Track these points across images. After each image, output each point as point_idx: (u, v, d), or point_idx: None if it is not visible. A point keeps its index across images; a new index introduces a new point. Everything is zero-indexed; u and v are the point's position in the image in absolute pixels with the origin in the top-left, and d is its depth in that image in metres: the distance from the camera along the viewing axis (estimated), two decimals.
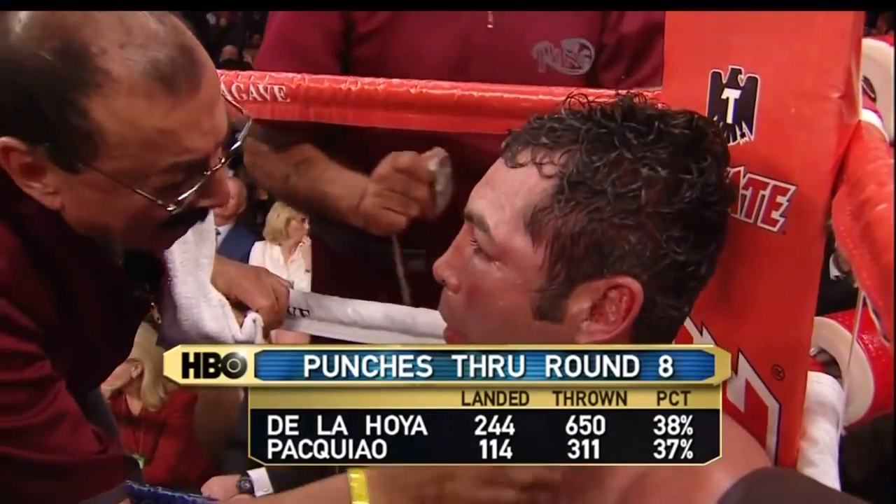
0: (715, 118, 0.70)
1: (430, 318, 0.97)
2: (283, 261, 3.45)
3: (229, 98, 0.97)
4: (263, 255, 3.47)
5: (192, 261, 0.95)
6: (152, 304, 0.95)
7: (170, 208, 0.72)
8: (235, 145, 0.78)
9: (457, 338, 0.69)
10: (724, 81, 0.69)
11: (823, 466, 0.71)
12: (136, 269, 0.89)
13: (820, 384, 0.81)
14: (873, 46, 0.78)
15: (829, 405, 0.79)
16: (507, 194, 0.63)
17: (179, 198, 0.72)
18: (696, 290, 0.66)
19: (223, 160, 0.75)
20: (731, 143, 0.69)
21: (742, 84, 0.68)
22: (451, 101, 0.95)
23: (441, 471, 0.64)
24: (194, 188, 0.73)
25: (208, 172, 0.73)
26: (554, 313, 0.62)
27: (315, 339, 1.19)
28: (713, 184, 0.62)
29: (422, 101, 0.95)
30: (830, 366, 0.89)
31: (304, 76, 0.99)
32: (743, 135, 0.68)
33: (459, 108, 0.95)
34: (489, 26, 1.03)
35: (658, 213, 0.60)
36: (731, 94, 0.68)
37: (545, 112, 0.65)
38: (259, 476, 2.42)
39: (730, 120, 0.69)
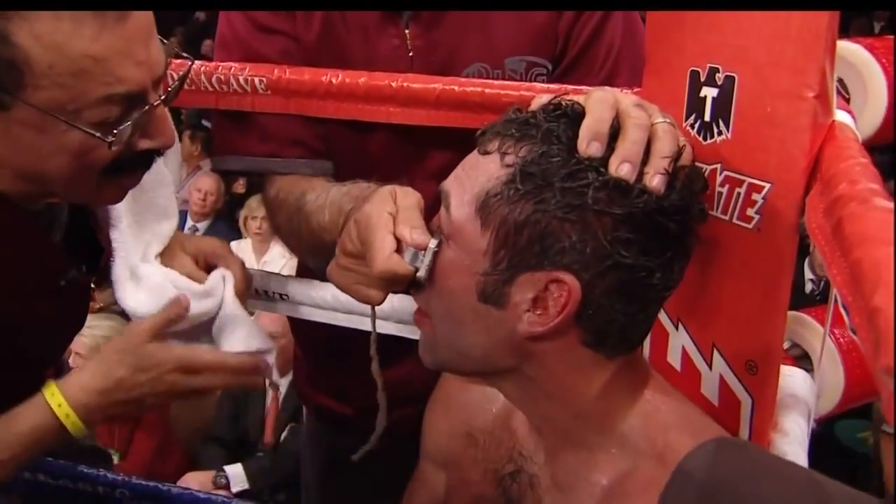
0: (693, 116, 0.71)
1: (406, 305, 0.97)
2: (254, 257, 3.44)
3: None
4: (237, 251, 3.43)
5: (139, 220, 0.91)
6: (92, 286, 0.91)
7: (109, 139, 0.70)
8: (176, 85, 0.78)
9: (424, 318, 0.70)
10: (703, 80, 0.70)
11: (793, 457, 0.73)
12: (75, 250, 0.86)
13: (792, 378, 0.82)
14: (847, 48, 0.79)
15: (801, 398, 0.81)
16: (470, 178, 0.64)
17: (117, 130, 0.70)
18: (653, 298, 0.64)
19: (163, 97, 0.74)
20: (709, 141, 0.70)
21: (720, 82, 0.68)
22: (433, 96, 0.94)
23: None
24: (132, 122, 0.71)
25: (147, 108, 0.72)
26: (497, 299, 0.63)
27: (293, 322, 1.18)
28: (674, 194, 0.60)
29: (403, 94, 0.95)
30: (802, 360, 0.90)
31: (284, 68, 0.98)
32: (720, 132, 0.69)
33: (441, 102, 0.94)
34: (410, 55, 0.98)
35: (605, 212, 0.59)
36: (709, 93, 0.69)
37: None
38: (235, 471, 2.41)
39: (707, 118, 0.70)
